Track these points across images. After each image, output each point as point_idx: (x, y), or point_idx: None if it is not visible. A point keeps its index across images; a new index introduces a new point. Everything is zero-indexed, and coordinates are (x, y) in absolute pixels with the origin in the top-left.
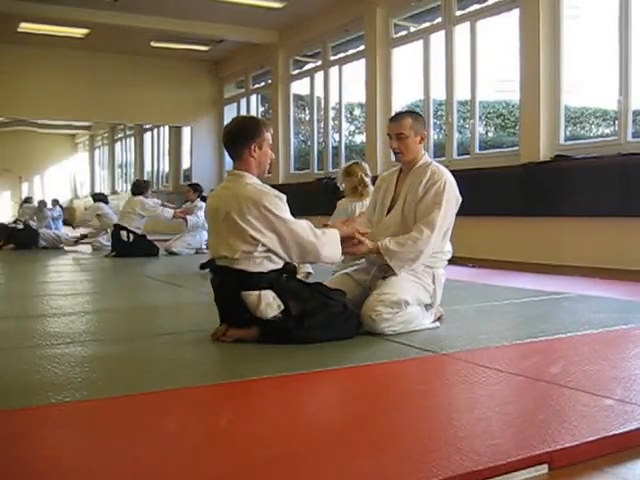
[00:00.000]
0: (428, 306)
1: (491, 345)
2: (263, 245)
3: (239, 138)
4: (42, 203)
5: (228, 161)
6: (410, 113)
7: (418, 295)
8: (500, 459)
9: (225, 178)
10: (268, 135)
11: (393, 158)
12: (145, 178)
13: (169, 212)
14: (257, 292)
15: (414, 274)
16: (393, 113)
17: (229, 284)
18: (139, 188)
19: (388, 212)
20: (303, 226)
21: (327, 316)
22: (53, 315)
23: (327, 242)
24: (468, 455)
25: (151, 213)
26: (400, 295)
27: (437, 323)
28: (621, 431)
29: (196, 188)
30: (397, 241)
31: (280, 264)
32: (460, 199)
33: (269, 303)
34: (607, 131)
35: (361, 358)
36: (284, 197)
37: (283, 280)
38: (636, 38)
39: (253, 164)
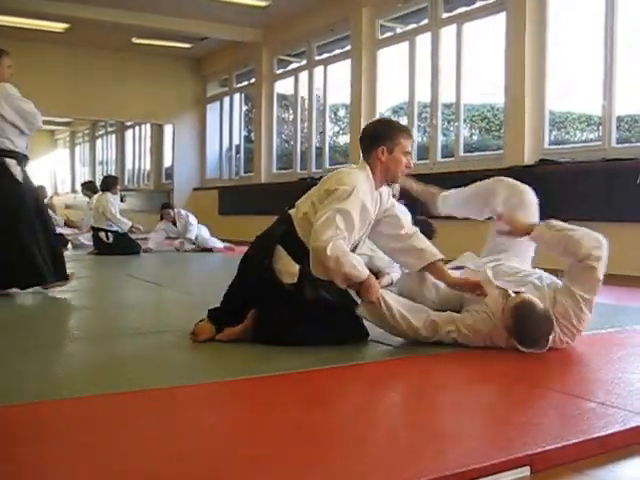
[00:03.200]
0: None
1: (474, 347)
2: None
3: (368, 138)
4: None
5: (210, 160)
6: None
7: None
8: (482, 461)
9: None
10: (404, 142)
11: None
12: (114, 174)
13: (126, 224)
14: (287, 255)
15: None
16: (377, 114)
17: (278, 230)
18: (106, 185)
19: None
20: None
21: (329, 317)
22: (30, 312)
23: (353, 264)
24: (450, 457)
25: (109, 215)
26: None
27: None
28: (602, 434)
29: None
30: None
31: None
32: None
33: (289, 271)
34: (591, 136)
35: (346, 359)
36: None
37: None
38: (621, 44)
39: (379, 168)
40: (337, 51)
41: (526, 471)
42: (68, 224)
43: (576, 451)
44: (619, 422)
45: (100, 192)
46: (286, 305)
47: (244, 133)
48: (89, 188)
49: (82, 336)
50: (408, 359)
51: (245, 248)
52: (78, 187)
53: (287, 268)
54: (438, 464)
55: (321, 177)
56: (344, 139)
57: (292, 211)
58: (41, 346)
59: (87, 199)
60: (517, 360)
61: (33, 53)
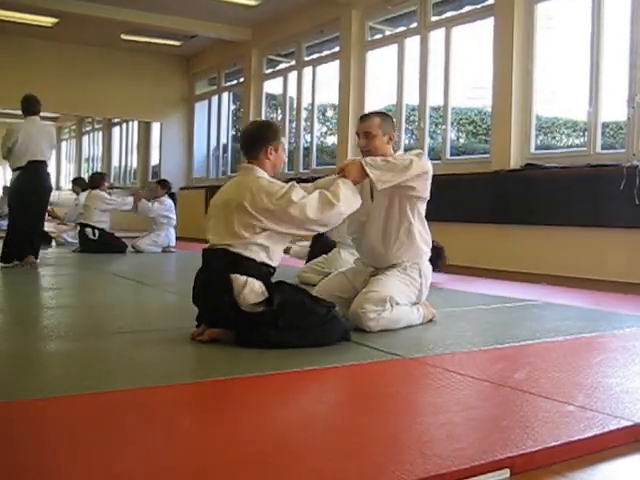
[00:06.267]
0: (416, 303)
1: (458, 350)
2: (273, 232)
3: (256, 140)
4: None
5: (197, 159)
6: (379, 113)
7: (407, 292)
8: (463, 463)
9: (238, 172)
10: (284, 140)
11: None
12: (101, 171)
13: (129, 200)
14: (245, 277)
15: (402, 271)
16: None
17: (220, 264)
18: (94, 182)
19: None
20: (315, 204)
21: (306, 320)
22: (13, 310)
23: (346, 199)
24: (431, 459)
25: (111, 207)
26: (386, 292)
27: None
28: (581, 437)
29: (164, 184)
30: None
31: (275, 263)
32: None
33: (254, 289)
34: (577, 142)
35: (327, 361)
36: (295, 183)
37: (271, 276)
38: (607, 51)
39: (268, 165)
40: (326, 52)
41: (506, 473)
42: (51, 214)
43: (556, 454)
44: (598, 425)
45: (89, 190)
46: (265, 304)
47: (232, 132)
48: (79, 184)
49: (62, 335)
50: (382, 362)
51: None
52: (63, 184)
53: (253, 287)
54: (418, 466)
55: (308, 178)
56: (332, 139)
57: (218, 247)
58: (20, 344)
59: (74, 195)
60: (498, 364)
61: (20, 47)
